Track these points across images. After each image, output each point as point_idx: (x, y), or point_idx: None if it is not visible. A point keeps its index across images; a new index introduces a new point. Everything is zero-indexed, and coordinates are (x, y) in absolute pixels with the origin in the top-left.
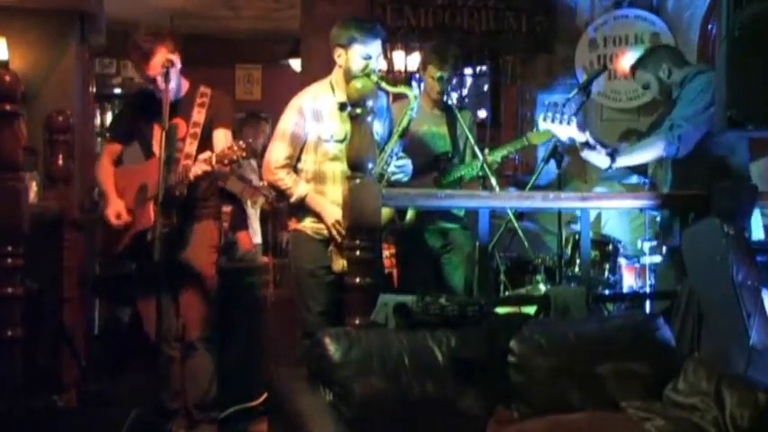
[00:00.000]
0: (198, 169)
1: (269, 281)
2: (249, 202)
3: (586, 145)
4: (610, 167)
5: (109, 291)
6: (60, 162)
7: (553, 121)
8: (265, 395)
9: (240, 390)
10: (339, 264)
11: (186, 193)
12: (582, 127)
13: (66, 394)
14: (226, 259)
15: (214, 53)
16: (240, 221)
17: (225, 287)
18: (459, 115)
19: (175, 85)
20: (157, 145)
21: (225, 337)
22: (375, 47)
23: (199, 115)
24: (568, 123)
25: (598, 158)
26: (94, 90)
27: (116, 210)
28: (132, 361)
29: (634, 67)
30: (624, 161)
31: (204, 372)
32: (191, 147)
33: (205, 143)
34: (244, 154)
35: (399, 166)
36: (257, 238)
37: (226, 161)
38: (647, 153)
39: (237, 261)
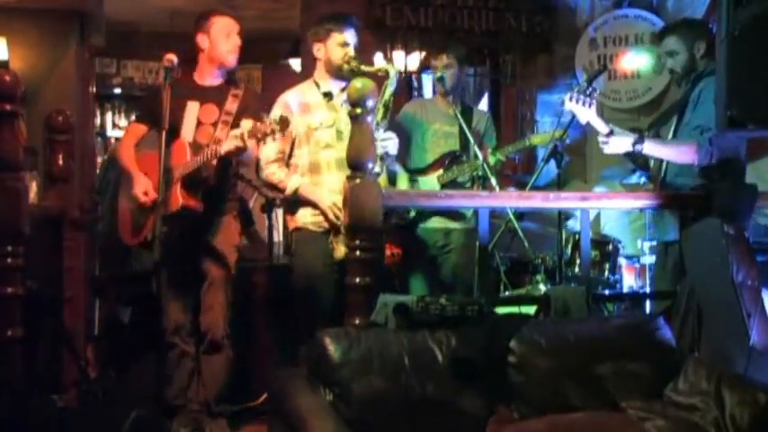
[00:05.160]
0: (229, 145)
1: (269, 281)
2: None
3: (610, 134)
4: (635, 149)
5: (109, 291)
6: (60, 162)
7: (578, 102)
8: (265, 395)
9: (240, 389)
10: (341, 251)
11: (213, 176)
12: (604, 119)
13: (67, 394)
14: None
15: None
16: (246, 221)
17: None
18: (468, 115)
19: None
20: (187, 128)
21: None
22: (351, 35)
23: (232, 105)
24: (590, 107)
25: (623, 142)
26: (94, 90)
27: (143, 187)
28: (132, 361)
29: (666, 31)
30: (650, 148)
31: (225, 366)
32: (221, 132)
33: None
34: (277, 127)
35: (385, 139)
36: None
37: (259, 135)
38: (677, 153)
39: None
